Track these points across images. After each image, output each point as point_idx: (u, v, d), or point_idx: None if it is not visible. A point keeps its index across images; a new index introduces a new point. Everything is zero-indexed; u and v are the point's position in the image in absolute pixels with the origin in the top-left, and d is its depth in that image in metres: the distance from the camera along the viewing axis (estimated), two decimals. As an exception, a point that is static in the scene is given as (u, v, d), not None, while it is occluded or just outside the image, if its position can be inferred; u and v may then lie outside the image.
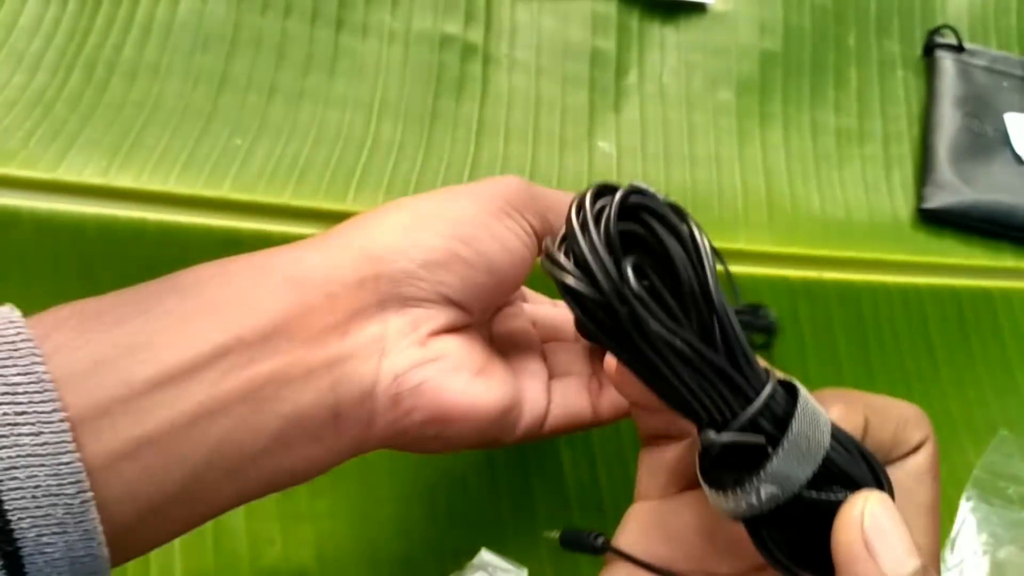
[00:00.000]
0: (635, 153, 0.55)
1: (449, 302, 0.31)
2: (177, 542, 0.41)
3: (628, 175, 0.54)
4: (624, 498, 0.33)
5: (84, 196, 0.43)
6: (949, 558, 0.50)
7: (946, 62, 0.62)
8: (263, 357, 0.26)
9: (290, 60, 0.51)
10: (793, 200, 0.56)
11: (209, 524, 0.42)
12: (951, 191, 0.58)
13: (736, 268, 0.52)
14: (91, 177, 0.44)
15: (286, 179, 0.47)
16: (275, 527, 0.42)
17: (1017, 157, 0.60)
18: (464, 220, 0.32)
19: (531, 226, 0.33)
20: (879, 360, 0.54)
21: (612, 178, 0.53)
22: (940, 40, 0.63)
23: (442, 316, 0.31)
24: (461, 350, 0.32)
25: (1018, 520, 0.50)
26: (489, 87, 0.54)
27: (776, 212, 0.55)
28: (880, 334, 0.54)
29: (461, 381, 0.31)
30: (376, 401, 0.29)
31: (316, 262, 0.29)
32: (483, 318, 0.35)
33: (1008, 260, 0.58)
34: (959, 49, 0.63)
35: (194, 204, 0.45)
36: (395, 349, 0.30)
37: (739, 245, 0.53)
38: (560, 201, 0.35)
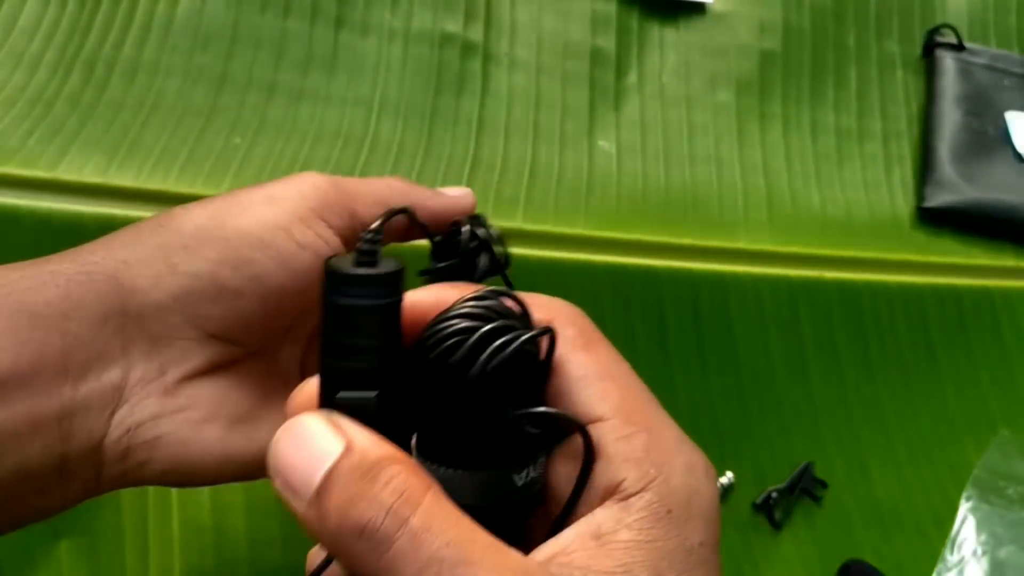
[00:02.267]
0: (635, 152, 0.55)
1: (210, 338, 0.27)
2: (177, 542, 0.41)
3: (628, 174, 0.54)
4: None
5: (83, 195, 0.43)
6: (949, 558, 0.49)
7: (946, 61, 0.62)
8: None
9: (289, 59, 0.51)
10: (793, 199, 0.56)
11: (209, 524, 0.42)
12: (951, 190, 0.58)
13: (736, 268, 0.52)
14: (91, 176, 0.44)
15: (286, 178, 0.47)
16: (275, 527, 0.42)
17: (1018, 155, 0.60)
18: (242, 238, 0.27)
19: (336, 229, 0.29)
20: (879, 360, 0.53)
21: (612, 177, 0.53)
22: (940, 39, 0.63)
23: (199, 356, 0.27)
24: (218, 396, 0.28)
25: (1018, 520, 0.50)
26: (489, 85, 0.54)
27: (776, 212, 0.55)
28: (880, 334, 0.54)
29: (211, 435, 0.27)
30: (104, 454, 0.26)
31: (55, 293, 0.25)
32: (270, 345, 0.30)
33: (1008, 260, 0.58)
34: (959, 48, 0.63)
35: (194, 203, 0.45)
36: (133, 398, 0.26)
37: (739, 245, 0.53)
38: (369, 191, 0.30)
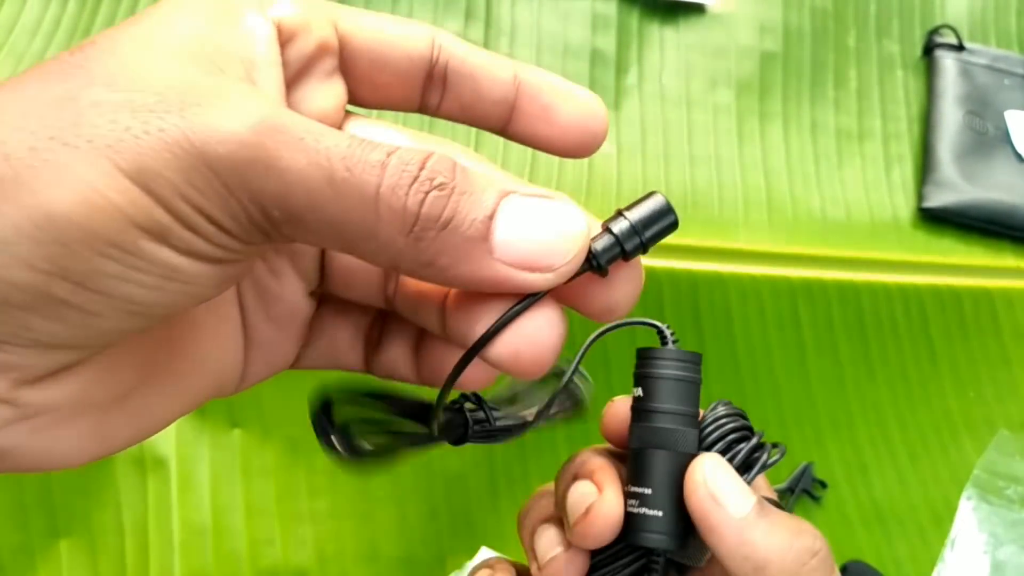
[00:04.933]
0: (635, 152, 0.55)
1: (50, 347, 0.19)
2: (177, 542, 0.41)
3: (628, 174, 0.54)
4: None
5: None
6: (949, 558, 0.49)
7: (947, 61, 0.62)
8: None
9: (290, 59, 0.51)
10: (793, 200, 0.56)
11: (209, 524, 0.42)
12: (952, 189, 0.58)
13: (736, 268, 0.52)
14: (91, 176, 0.44)
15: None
16: (275, 527, 0.42)
17: (1018, 155, 0.60)
18: (85, 240, 0.18)
19: (225, 228, 0.19)
20: (879, 360, 0.54)
21: (612, 177, 0.53)
22: (940, 40, 0.63)
23: (40, 362, 0.19)
24: (83, 388, 0.21)
25: (1018, 520, 0.50)
26: (489, 86, 0.54)
27: (776, 212, 0.55)
28: (880, 334, 0.54)
29: (77, 433, 0.21)
30: None
31: None
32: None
33: (1008, 260, 0.58)
34: (959, 48, 0.63)
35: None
36: None
37: (739, 245, 0.53)
38: (306, 179, 0.19)
